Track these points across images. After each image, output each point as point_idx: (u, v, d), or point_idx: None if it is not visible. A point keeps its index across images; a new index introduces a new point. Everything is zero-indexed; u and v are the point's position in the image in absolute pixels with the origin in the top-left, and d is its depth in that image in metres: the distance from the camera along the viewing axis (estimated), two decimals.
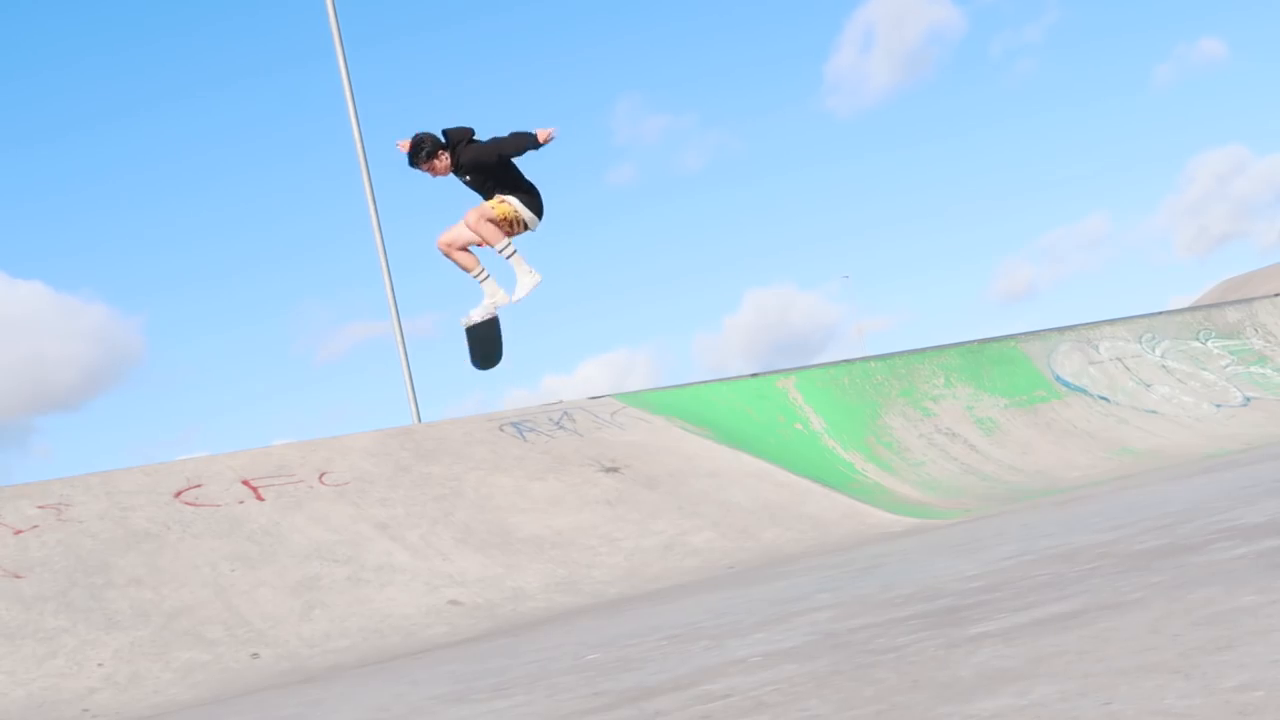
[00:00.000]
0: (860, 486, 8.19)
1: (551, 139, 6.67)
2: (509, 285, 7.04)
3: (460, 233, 6.94)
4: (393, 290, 10.33)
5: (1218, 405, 10.85)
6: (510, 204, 6.88)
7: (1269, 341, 12.61)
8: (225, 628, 5.21)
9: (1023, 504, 7.59)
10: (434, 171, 6.79)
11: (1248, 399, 11.09)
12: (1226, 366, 11.78)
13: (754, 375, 9.76)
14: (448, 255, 7.09)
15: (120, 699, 4.62)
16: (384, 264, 10.37)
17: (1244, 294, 16.66)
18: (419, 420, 9.67)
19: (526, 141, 6.73)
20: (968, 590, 2.95)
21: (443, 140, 6.73)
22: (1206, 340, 12.25)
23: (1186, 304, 18.38)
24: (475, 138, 6.87)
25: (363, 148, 10.38)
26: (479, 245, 7.15)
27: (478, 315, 6.98)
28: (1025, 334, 11.23)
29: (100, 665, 4.85)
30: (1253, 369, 11.90)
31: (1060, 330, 11.45)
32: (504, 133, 6.92)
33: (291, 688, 4.37)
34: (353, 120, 10.50)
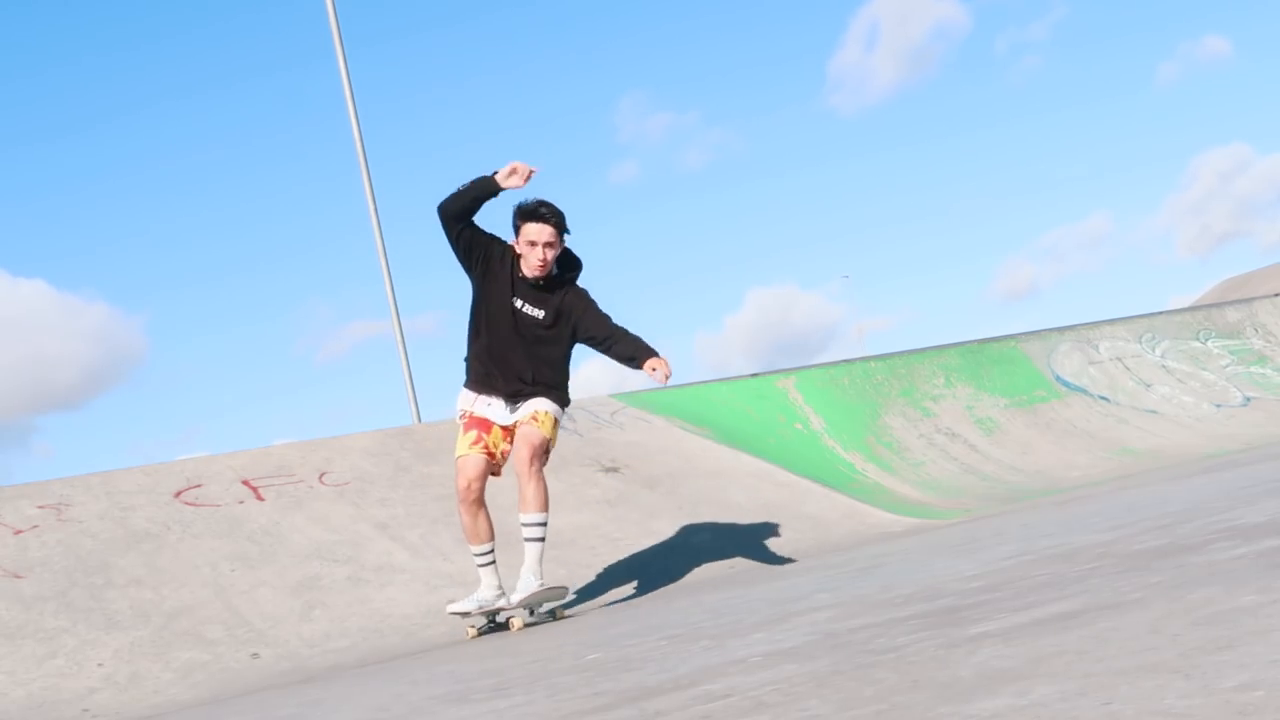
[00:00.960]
0: (860, 486, 8.19)
1: (661, 375, 5.02)
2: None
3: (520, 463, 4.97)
4: (393, 290, 10.36)
5: (1218, 405, 10.86)
6: (557, 425, 5.14)
7: (1269, 341, 12.62)
8: (225, 628, 5.21)
9: (1022, 504, 7.60)
10: (545, 251, 4.94)
11: (1248, 399, 11.10)
12: (1226, 366, 11.79)
13: (754, 375, 9.77)
14: (474, 509, 5.00)
15: (120, 699, 4.63)
16: (384, 263, 10.38)
17: (1244, 294, 16.68)
18: (419, 420, 9.69)
19: (644, 355, 5.07)
20: (967, 590, 2.95)
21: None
22: (1206, 340, 12.26)
23: (1187, 304, 18.39)
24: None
25: (362, 147, 10.39)
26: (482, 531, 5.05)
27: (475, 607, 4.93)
28: (1025, 334, 11.25)
29: (100, 665, 4.85)
30: (1253, 369, 11.91)
31: (1060, 330, 11.46)
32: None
33: (291, 688, 4.38)
34: (353, 120, 10.51)
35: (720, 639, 3.01)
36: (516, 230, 5.06)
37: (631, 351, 5.12)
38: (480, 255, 5.08)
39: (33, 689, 4.66)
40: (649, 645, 3.20)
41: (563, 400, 5.21)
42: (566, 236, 5.07)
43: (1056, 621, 2.13)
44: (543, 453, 5.02)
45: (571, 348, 5.25)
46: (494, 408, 5.09)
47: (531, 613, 5.04)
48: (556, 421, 5.12)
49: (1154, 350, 11.68)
